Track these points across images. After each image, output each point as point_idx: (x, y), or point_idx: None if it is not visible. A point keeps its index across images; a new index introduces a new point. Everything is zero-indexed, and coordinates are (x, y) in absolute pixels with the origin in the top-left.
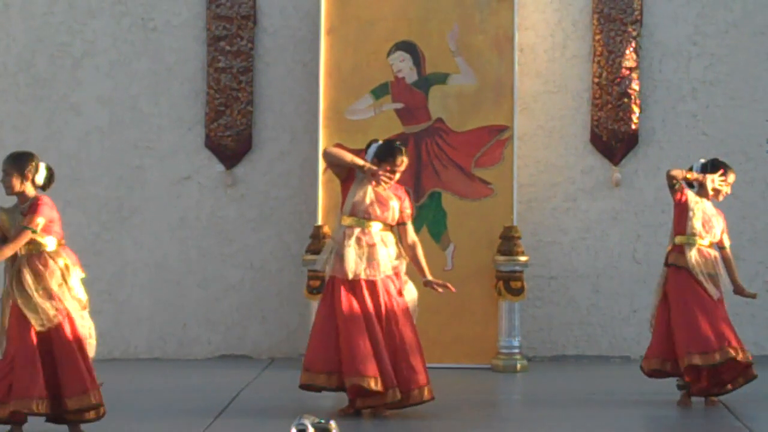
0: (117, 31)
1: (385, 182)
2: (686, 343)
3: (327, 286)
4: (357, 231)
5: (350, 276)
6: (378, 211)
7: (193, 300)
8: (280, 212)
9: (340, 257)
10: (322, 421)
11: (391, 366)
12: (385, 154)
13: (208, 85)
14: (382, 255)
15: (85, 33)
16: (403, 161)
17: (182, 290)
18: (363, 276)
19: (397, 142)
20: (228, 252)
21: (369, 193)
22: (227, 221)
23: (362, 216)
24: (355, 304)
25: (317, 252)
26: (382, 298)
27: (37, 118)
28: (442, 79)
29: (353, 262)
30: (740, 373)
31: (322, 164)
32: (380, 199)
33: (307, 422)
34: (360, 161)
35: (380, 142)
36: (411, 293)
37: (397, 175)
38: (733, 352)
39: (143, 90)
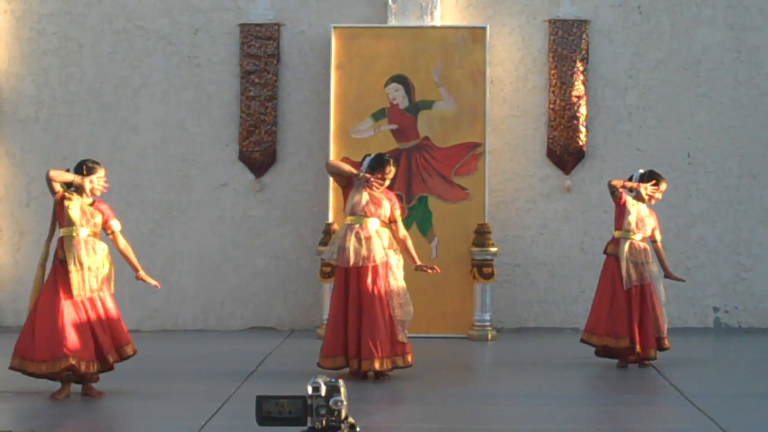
0: (168, 67)
1: (377, 187)
2: (592, 323)
3: (335, 275)
4: (356, 227)
5: (351, 263)
6: (373, 209)
7: (229, 283)
8: (298, 212)
9: (342, 249)
10: (333, 380)
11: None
12: (376, 165)
13: (241, 110)
14: (376, 246)
15: (142, 68)
16: (391, 170)
17: (220, 275)
18: (360, 264)
19: (386, 155)
20: (257, 244)
21: (365, 196)
22: (256, 219)
23: (360, 214)
24: (347, 289)
25: (327, 244)
26: (374, 281)
27: (104, 136)
28: (428, 105)
29: (352, 253)
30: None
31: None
32: (374, 200)
33: (321, 381)
34: (354, 170)
35: (372, 155)
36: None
37: (387, 182)
38: (612, 342)
39: (189, 114)
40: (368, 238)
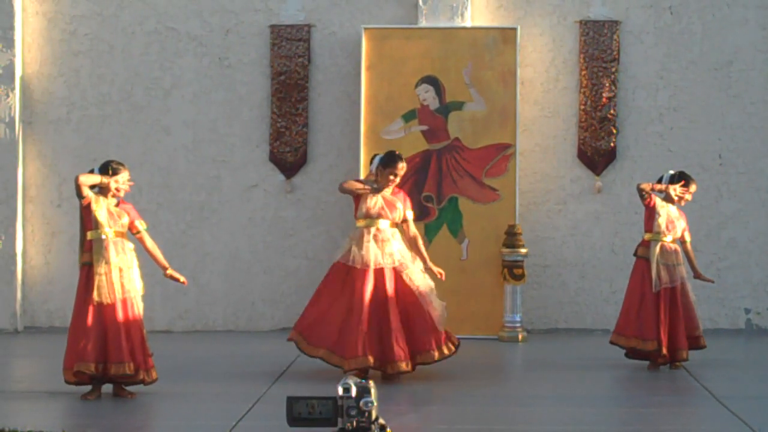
0: (199, 68)
1: (389, 185)
2: (621, 324)
3: (338, 272)
4: (373, 230)
5: (372, 266)
6: (388, 212)
7: (260, 283)
8: (329, 213)
9: (359, 250)
10: (363, 381)
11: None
12: (388, 161)
13: (272, 111)
14: (395, 248)
15: (173, 69)
16: (403, 167)
17: (251, 276)
18: (379, 265)
19: (397, 152)
20: (287, 245)
21: (379, 200)
22: (287, 220)
23: (375, 216)
24: (371, 290)
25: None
26: (391, 283)
27: (136, 137)
28: (458, 106)
29: (372, 254)
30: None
31: (361, 175)
32: (388, 203)
33: (351, 382)
34: (366, 188)
35: (381, 154)
36: (426, 281)
37: (398, 179)
38: (639, 345)
39: (220, 115)
40: (385, 241)
